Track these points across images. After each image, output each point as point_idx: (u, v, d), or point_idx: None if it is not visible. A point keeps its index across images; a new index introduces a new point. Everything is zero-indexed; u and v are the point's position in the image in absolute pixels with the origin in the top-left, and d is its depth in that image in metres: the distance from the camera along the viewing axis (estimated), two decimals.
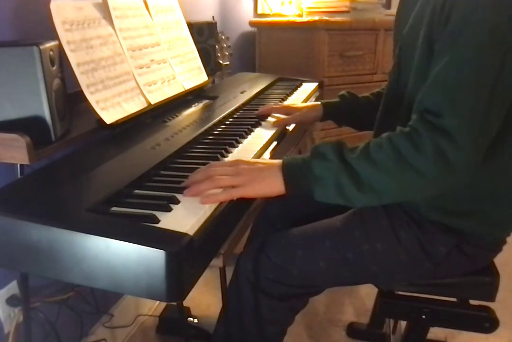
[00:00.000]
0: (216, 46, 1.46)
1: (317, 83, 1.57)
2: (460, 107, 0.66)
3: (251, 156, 0.84)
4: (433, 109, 0.68)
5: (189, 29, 1.29)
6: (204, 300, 1.59)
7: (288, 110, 1.11)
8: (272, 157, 0.91)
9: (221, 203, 0.68)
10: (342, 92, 1.15)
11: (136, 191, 0.69)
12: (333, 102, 1.14)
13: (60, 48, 0.80)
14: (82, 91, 0.83)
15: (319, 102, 1.14)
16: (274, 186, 0.71)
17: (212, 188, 0.68)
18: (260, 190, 0.71)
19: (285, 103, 1.28)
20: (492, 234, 0.86)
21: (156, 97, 1.04)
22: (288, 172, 0.71)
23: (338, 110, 1.12)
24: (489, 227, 0.84)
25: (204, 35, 1.40)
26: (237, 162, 0.73)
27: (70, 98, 0.84)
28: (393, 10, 0.95)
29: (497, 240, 0.88)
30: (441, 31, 0.71)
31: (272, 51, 2.05)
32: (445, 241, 0.84)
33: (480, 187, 0.81)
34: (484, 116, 0.66)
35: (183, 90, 1.17)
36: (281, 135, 1.02)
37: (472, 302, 0.96)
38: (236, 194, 0.69)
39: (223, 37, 1.54)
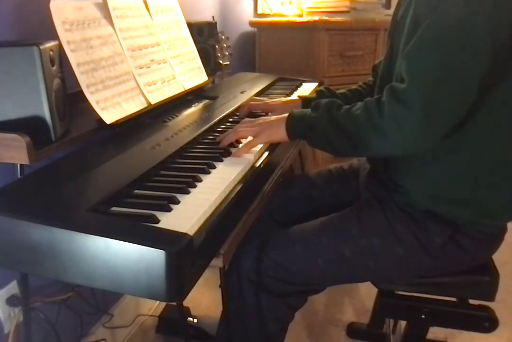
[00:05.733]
0: (216, 46, 1.46)
1: (317, 83, 1.57)
2: (416, 75, 0.75)
3: (251, 156, 0.85)
4: (400, 76, 0.77)
5: (189, 29, 1.29)
6: (204, 300, 1.59)
7: (267, 107, 1.11)
8: (272, 158, 0.91)
9: (220, 203, 0.68)
10: (320, 87, 1.16)
11: (136, 191, 0.69)
12: (311, 97, 1.14)
13: (60, 48, 0.80)
14: (82, 91, 0.83)
15: (297, 97, 1.15)
16: (280, 133, 0.87)
17: (236, 138, 0.88)
18: (271, 136, 0.88)
19: None
20: (486, 224, 0.86)
21: (156, 97, 1.04)
22: (290, 122, 0.87)
23: None
24: (482, 217, 0.85)
25: (204, 35, 1.40)
26: (257, 119, 0.92)
27: (70, 98, 0.84)
28: (393, 10, 0.95)
29: (492, 231, 0.88)
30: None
31: (272, 51, 2.05)
32: (439, 231, 0.85)
33: (474, 174, 0.82)
34: (435, 87, 0.73)
35: (183, 90, 1.17)
36: None
37: (472, 302, 0.96)
38: (254, 142, 0.86)
39: (223, 37, 1.54)
